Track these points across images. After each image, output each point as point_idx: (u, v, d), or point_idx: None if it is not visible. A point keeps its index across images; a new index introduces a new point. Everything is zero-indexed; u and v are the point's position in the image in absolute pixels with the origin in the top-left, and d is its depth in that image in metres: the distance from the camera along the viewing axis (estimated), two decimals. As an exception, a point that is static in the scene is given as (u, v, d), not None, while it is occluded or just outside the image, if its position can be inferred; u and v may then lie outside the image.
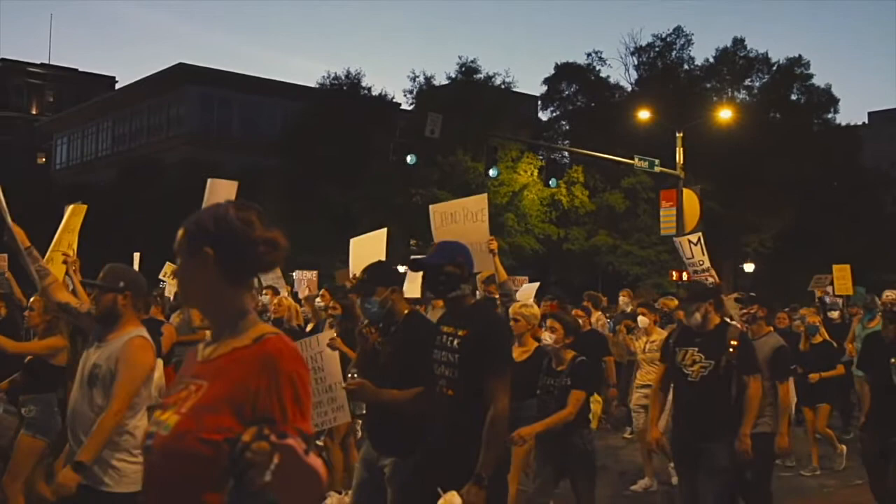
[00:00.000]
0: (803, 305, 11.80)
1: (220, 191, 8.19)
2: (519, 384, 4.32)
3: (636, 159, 23.08)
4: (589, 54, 37.56)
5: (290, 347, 1.94)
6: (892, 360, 5.65)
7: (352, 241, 8.88)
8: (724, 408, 5.11)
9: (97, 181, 45.69)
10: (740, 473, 5.39)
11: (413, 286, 7.73)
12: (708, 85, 36.17)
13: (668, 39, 36.50)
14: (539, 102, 39.92)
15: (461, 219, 6.95)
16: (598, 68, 37.33)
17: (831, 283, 14.74)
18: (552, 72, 38.30)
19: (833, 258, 16.32)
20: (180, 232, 1.99)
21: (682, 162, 23.33)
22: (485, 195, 7.22)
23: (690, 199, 23.04)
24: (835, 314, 11.16)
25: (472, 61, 34.83)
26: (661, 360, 5.79)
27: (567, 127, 38.64)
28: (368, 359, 4.47)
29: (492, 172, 25.23)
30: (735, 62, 36.43)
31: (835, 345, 8.75)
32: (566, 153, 37.41)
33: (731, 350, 5.12)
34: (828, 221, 32.53)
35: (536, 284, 12.63)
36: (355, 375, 4.26)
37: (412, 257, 3.72)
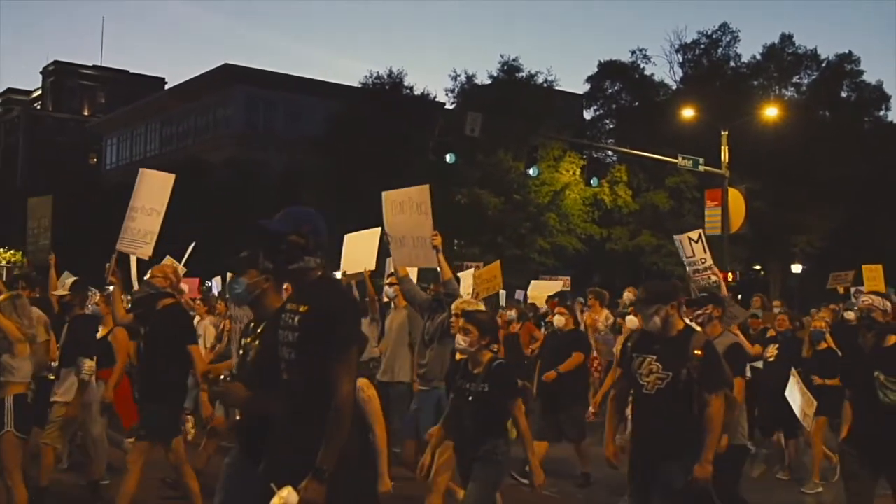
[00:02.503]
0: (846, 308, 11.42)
1: (154, 183, 7.59)
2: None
3: (680, 158, 22.84)
4: (633, 52, 37.20)
5: None
6: (877, 373, 4.77)
7: (346, 237, 8.68)
8: (682, 425, 4.44)
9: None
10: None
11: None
12: (755, 82, 35.61)
13: (713, 36, 36.02)
14: (583, 101, 39.72)
15: (408, 209, 6.55)
16: (642, 66, 37.03)
17: (851, 282, 14.26)
18: (596, 70, 38.10)
19: (882, 258, 15.93)
20: None
21: (727, 161, 23.01)
22: (427, 186, 6.61)
23: (736, 198, 22.73)
24: (850, 315, 10.50)
25: (514, 60, 34.78)
26: (618, 364, 5.31)
27: (611, 126, 38.37)
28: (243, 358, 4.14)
29: (531, 171, 25.17)
30: (783, 59, 35.82)
31: (839, 353, 8.19)
32: (610, 152, 37.17)
33: (693, 361, 4.45)
34: (878, 221, 31.82)
35: (470, 272, 12.46)
36: (228, 378, 3.89)
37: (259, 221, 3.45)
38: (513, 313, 11.93)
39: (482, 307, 5.78)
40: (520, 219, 31.70)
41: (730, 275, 23.29)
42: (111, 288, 6.96)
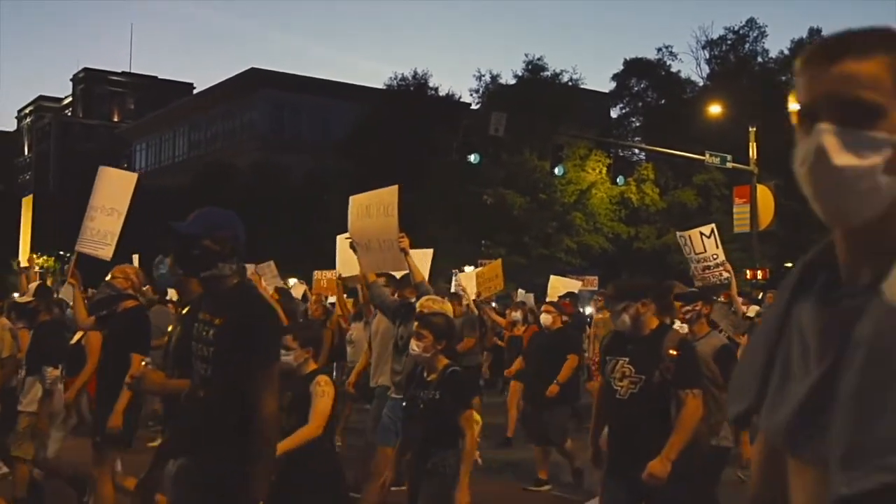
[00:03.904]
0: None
1: (115, 183, 7.22)
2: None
3: (707, 155, 22.61)
4: (659, 49, 36.89)
5: None
6: None
7: (338, 237, 8.51)
8: (659, 433, 4.11)
9: (174, 185, 47.08)
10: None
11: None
12: (783, 78, 35.16)
13: (740, 32, 35.64)
14: (609, 99, 39.49)
15: (374, 213, 6.26)
16: (668, 63, 36.68)
17: None
18: (621, 68, 37.85)
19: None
20: None
21: (755, 157, 22.74)
22: (396, 186, 6.27)
23: (765, 195, 22.45)
24: None
25: (538, 59, 34.69)
26: (598, 370, 5.07)
27: (637, 124, 38.10)
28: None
29: (557, 171, 25.03)
30: (812, 53, 35.35)
31: None
32: (636, 150, 36.90)
33: (666, 361, 4.15)
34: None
35: (473, 273, 12.36)
36: (149, 364, 3.77)
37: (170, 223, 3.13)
38: (518, 314, 11.84)
39: (448, 306, 5.56)
40: (546, 218, 31.57)
41: (759, 272, 23.04)
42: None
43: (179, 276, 3.89)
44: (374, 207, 6.26)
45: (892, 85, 1.14)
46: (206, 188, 41.45)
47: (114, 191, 7.13)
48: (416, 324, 4.71)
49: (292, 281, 21.05)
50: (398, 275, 6.75)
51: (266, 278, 10.51)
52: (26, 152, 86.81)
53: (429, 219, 30.05)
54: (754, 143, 22.79)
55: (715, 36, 36.33)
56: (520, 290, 16.61)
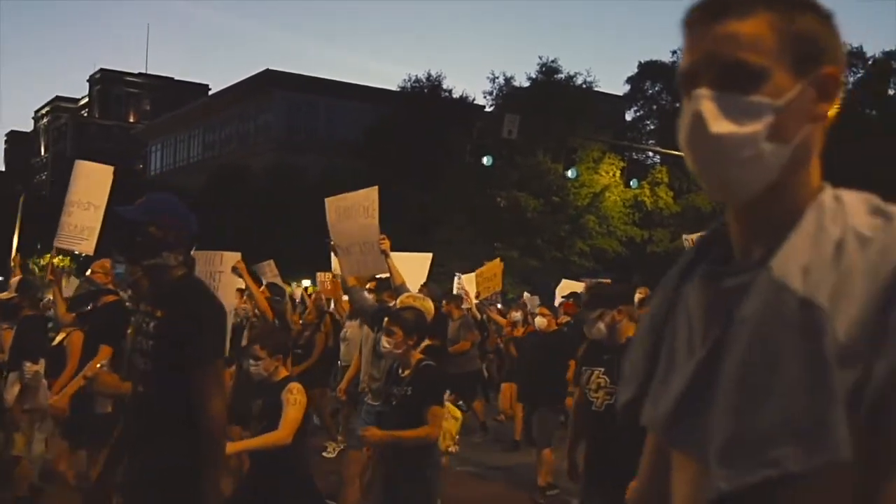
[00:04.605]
0: None
1: (92, 177, 7.05)
2: None
3: (722, 159, 22.58)
4: (674, 52, 36.70)
5: None
6: None
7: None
8: (638, 446, 3.86)
9: (188, 186, 47.35)
10: None
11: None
12: (799, 81, 35.05)
13: (756, 35, 35.54)
14: (623, 102, 39.41)
15: (354, 214, 6.16)
16: (683, 66, 36.56)
17: None
18: (636, 70, 37.77)
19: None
20: None
21: (770, 161, 22.67)
22: (376, 188, 6.18)
23: (780, 199, 22.36)
24: None
25: (552, 61, 34.63)
26: (574, 381, 4.88)
27: (652, 126, 38.00)
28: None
29: (570, 173, 25.01)
30: (828, 57, 35.21)
31: None
32: (650, 153, 36.80)
33: None
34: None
35: (472, 274, 12.28)
36: (105, 366, 3.69)
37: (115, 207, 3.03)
38: (518, 315, 11.86)
39: (428, 304, 5.49)
40: (559, 221, 31.53)
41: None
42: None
43: (138, 276, 3.78)
44: (353, 210, 6.15)
45: (775, 45, 1.04)
46: (220, 189, 41.65)
47: (90, 185, 6.98)
48: (385, 320, 4.65)
49: (306, 282, 21.12)
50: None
51: (266, 278, 10.62)
52: (43, 153, 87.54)
53: (443, 221, 30.07)
54: (769, 147, 22.71)
55: (730, 38, 36.17)
56: (525, 294, 16.61)
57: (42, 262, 37.87)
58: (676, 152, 26.54)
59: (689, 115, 1.07)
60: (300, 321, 9.80)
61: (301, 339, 9.40)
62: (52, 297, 7.61)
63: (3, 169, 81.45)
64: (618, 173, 32.55)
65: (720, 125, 1.04)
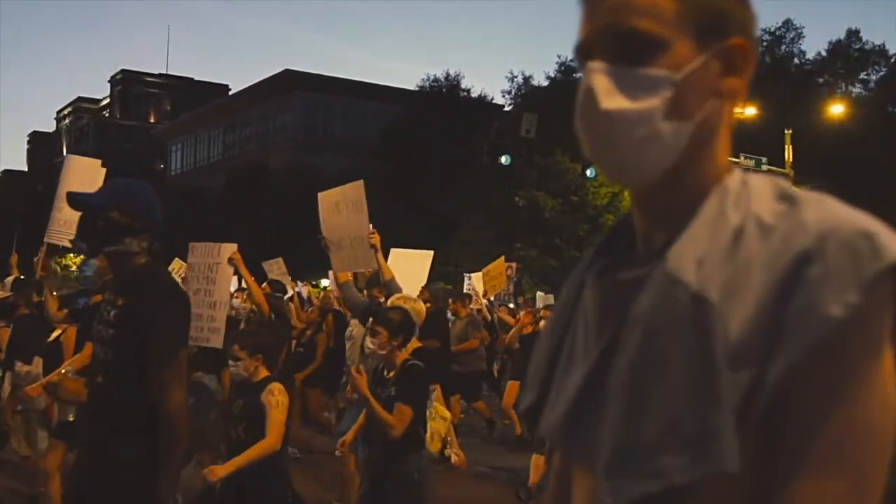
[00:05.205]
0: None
1: (82, 171, 6.93)
2: None
3: (742, 158, 22.36)
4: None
5: None
6: None
7: None
8: None
9: (208, 186, 47.61)
10: None
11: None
12: (820, 80, 34.68)
13: (777, 33, 35.18)
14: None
15: (344, 209, 6.07)
16: (702, 64, 36.33)
17: None
18: (654, 69, 37.60)
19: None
20: None
21: (791, 160, 22.45)
22: (361, 181, 6.10)
23: (801, 198, 22.16)
24: None
25: (571, 60, 34.50)
26: None
27: (670, 125, 37.81)
28: None
29: (589, 173, 24.92)
30: (849, 55, 34.80)
31: None
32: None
33: None
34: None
35: (479, 273, 12.19)
36: (70, 372, 3.63)
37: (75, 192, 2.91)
38: (525, 315, 11.82)
39: (420, 306, 5.40)
40: (578, 220, 31.44)
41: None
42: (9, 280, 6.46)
43: (106, 280, 3.60)
44: (342, 204, 6.07)
45: (675, 13, 0.94)
46: (240, 189, 41.87)
47: (81, 179, 6.77)
48: (371, 320, 4.56)
49: (325, 282, 21.17)
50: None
51: (272, 274, 10.65)
52: (65, 152, 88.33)
53: (461, 221, 30.06)
54: (790, 146, 22.49)
55: (751, 37, 35.88)
56: (539, 293, 16.56)
57: (64, 262, 38.27)
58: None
59: (581, 91, 0.98)
60: (305, 320, 9.82)
61: (303, 338, 9.42)
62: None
63: (26, 168, 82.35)
64: (637, 173, 32.42)
65: (612, 101, 0.94)
